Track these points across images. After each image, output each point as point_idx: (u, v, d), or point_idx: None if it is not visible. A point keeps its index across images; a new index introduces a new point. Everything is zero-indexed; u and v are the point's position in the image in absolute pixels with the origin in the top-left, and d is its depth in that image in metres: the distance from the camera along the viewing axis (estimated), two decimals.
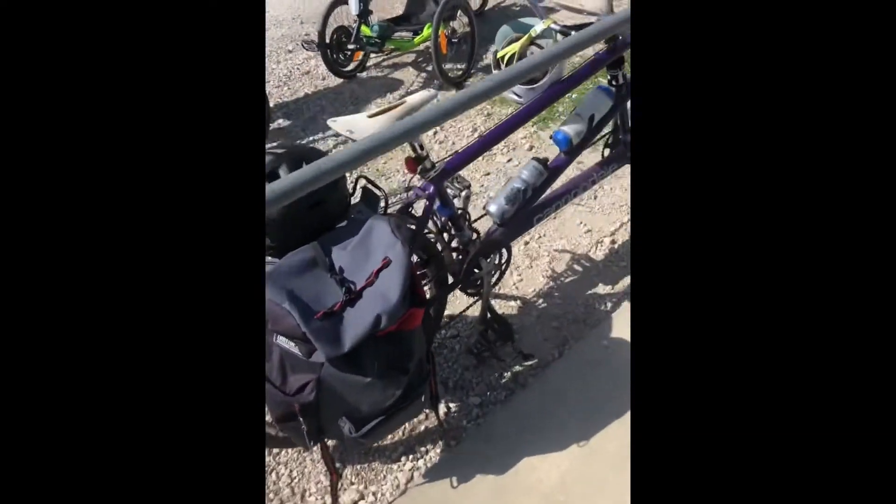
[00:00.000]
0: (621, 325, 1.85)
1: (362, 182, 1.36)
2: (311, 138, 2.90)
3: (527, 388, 1.72)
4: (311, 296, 1.13)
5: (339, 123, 1.23)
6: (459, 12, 3.25)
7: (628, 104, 1.88)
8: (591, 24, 1.61)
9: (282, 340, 1.12)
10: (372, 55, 3.44)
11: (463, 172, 1.56)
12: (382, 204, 1.35)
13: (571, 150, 1.78)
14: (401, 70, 3.47)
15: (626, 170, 2.10)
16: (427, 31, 3.23)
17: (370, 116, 1.24)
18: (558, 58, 1.08)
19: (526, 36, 1.52)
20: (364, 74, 3.41)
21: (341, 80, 3.37)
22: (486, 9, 3.99)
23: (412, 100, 1.30)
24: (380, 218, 1.25)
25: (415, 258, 1.48)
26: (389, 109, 1.27)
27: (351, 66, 3.34)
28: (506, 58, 1.55)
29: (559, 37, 1.62)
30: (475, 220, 1.74)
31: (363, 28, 3.17)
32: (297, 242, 1.18)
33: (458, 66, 3.36)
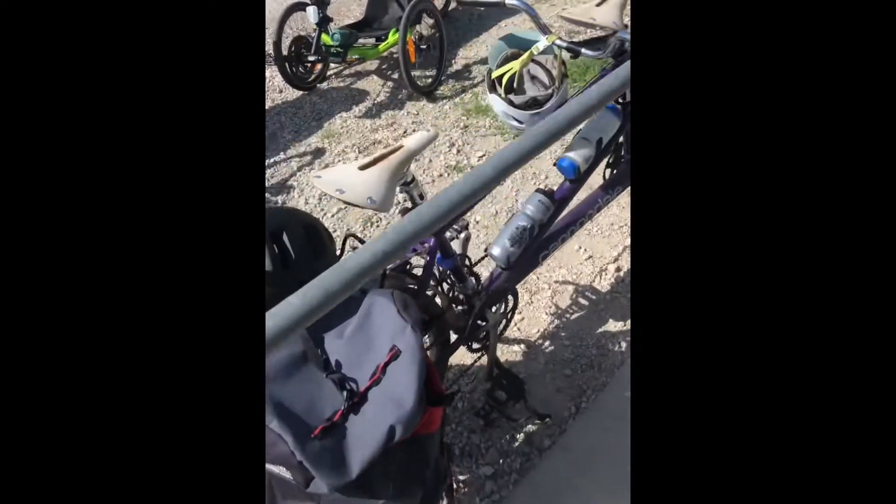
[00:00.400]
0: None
1: (351, 242, 1.13)
2: (271, 160, 2.63)
3: (544, 454, 1.51)
4: (303, 405, 0.90)
5: (324, 180, 0.99)
6: (425, 15, 3.01)
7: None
8: (603, 38, 1.40)
9: (272, 466, 0.88)
10: (332, 64, 3.17)
11: None
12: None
13: (579, 177, 1.58)
14: (364, 79, 3.21)
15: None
16: (392, 37, 2.98)
17: (362, 168, 1.01)
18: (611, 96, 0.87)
19: (527, 53, 1.30)
20: (325, 85, 3.14)
21: (300, 93, 3.09)
22: (450, 9, 3.75)
23: (410, 143, 1.07)
24: (380, 294, 1.01)
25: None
26: (384, 157, 1.03)
27: (311, 78, 3.07)
28: (504, 78, 1.32)
29: (565, 54, 1.40)
30: (475, 263, 1.52)
31: (323, 37, 2.89)
32: None
33: (428, 74, 3.12)
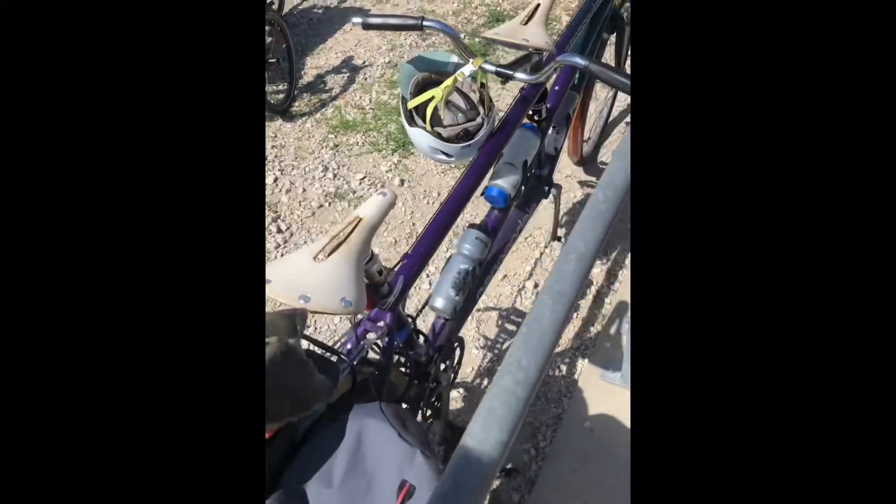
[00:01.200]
0: (594, 393, 1.59)
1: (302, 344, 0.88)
2: None
3: None
4: None
5: (277, 285, 0.74)
6: (268, 27, 2.68)
7: (547, 136, 1.59)
8: (530, 55, 1.27)
9: None
10: None
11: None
12: (344, 367, 0.89)
13: (509, 205, 1.45)
14: None
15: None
16: None
17: (319, 258, 0.77)
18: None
19: (450, 80, 1.13)
20: None
21: None
22: (284, 13, 3.42)
23: (367, 215, 0.85)
24: (365, 413, 0.80)
25: None
26: (342, 240, 0.80)
27: None
28: (428, 110, 1.14)
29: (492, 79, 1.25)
30: (415, 318, 1.33)
31: None
32: None
33: (279, 89, 2.80)
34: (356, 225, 0.83)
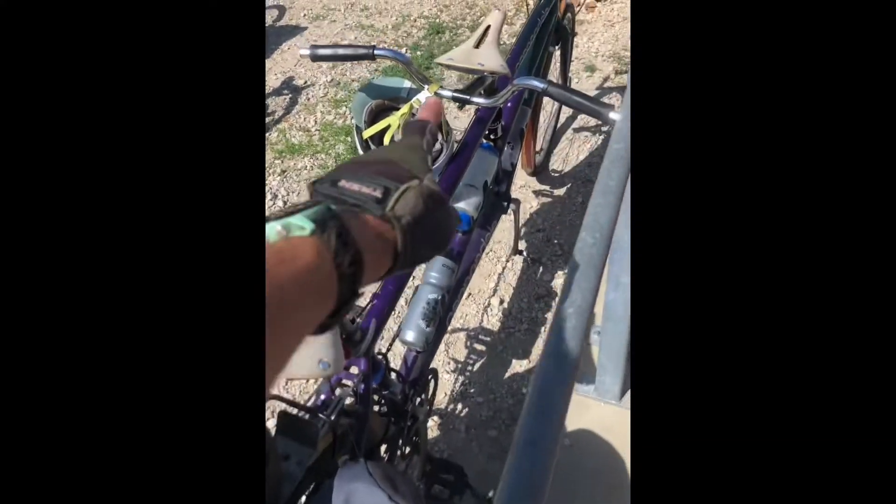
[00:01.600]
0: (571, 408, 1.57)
1: (275, 405, 0.83)
2: None
3: None
4: None
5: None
6: None
7: (504, 152, 1.58)
8: (484, 77, 1.25)
9: None
10: None
11: None
12: (319, 425, 0.84)
13: (472, 227, 1.43)
14: None
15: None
16: None
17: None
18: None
19: (406, 107, 1.10)
20: None
21: None
22: None
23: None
24: (351, 477, 0.75)
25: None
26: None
27: None
28: (386, 138, 1.11)
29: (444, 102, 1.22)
30: (385, 354, 1.28)
31: None
32: None
33: None
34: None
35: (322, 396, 0.98)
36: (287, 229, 0.36)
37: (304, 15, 3.48)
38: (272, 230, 0.35)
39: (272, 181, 2.36)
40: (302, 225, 0.36)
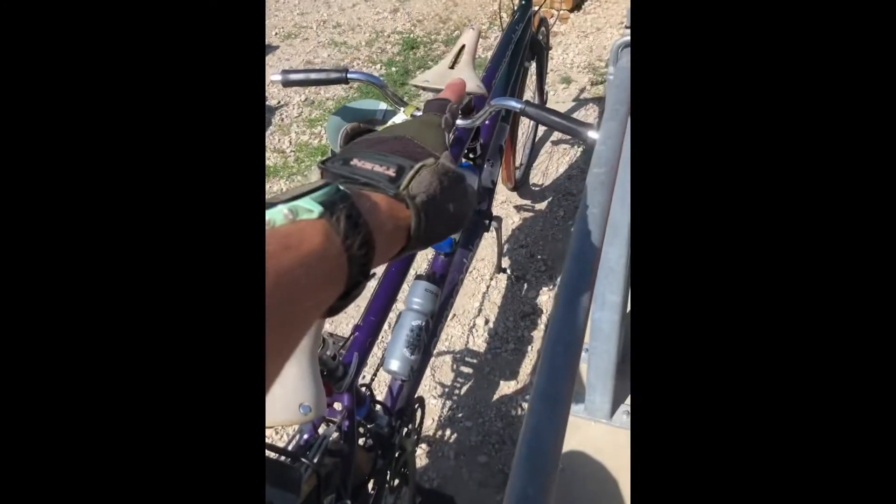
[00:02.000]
0: None
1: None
2: None
3: None
4: None
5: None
6: None
7: (484, 171, 1.56)
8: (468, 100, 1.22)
9: None
10: None
11: None
12: (305, 472, 0.80)
13: (455, 249, 1.40)
14: None
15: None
16: None
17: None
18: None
19: (382, 129, 1.06)
20: None
21: None
22: None
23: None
24: None
25: None
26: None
27: None
28: None
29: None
30: (371, 382, 1.24)
31: None
32: None
33: None
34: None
35: (305, 436, 0.94)
36: (294, 212, 0.34)
37: (276, 34, 3.44)
38: (279, 214, 0.34)
39: None
40: (310, 208, 0.34)
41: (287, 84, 1.13)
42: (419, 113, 1.17)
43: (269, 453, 0.81)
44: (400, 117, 1.18)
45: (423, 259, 2.18)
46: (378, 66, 3.07)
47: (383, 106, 1.23)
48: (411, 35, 3.33)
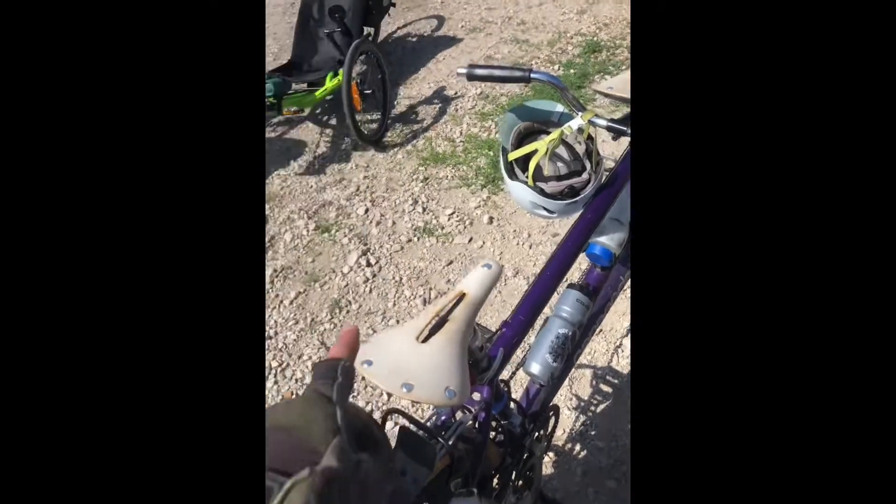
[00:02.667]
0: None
1: (395, 418, 0.83)
2: None
3: None
4: None
5: (377, 368, 0.68)
6: (363, 57, 2.71)
7: None
8: None
9: None
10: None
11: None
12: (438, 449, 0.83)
13: (613, 263, 1.35)
14: (298, 128, 2.86)
15: None
16: (330, 81, 2.65)
17: (421, 340, 0.71)
18: None
19: (556, 133, 1.05)
20: None
21: None
22: (380, 41, 3.46)
23: (471, 290, 0.78)
24: None
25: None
26: (444, 318, 0.74)
27: None
28: (531, 164, 1.07)
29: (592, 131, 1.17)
30: (510, 379, 1.24)
31: None
32: None
33: (371, 119, 2.82)
34: (459, 301, 0.77)
35: (443, 417, 0.97)
36: None
37: (462, 26, 3.54)
38: None
39: (414, 187, 2.42)
40: None
41: (471, 78, 1.16)
42: (598, 119, 1.15)
43: (409, 425, 0.84)
44: (577, 122, 1.16)
45: (531, 235, 2.13)
46: (556, 67, 3.05)
47: (560, 108, 1.22)
48: (595, 38, 3.26)
